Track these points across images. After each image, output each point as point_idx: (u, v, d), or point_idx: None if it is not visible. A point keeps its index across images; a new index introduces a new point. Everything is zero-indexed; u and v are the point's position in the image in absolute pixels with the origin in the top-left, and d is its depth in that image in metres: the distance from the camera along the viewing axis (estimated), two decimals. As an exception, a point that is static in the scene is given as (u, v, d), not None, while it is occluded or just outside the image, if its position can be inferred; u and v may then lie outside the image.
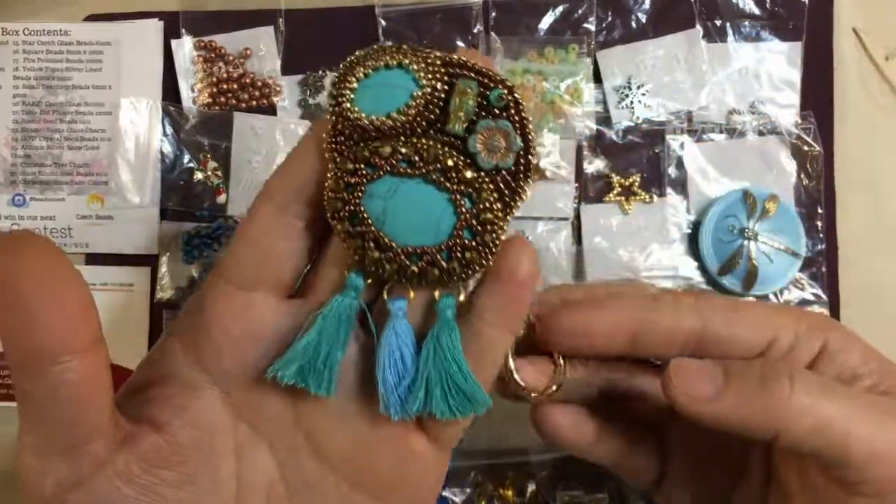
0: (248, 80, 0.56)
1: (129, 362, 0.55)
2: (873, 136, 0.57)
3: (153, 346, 0.27)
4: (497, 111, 0.24)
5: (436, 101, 0.24)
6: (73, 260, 0.58)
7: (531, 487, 0.54)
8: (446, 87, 0.24)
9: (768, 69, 0.57)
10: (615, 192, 0.56)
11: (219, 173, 0.56)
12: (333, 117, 0.24)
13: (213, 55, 0.56)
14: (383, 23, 0.56)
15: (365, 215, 0.24)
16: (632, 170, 0.56)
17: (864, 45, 0.57)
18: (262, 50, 0.57)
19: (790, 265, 0.54)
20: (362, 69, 0.24)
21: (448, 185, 0.24)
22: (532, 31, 0.57)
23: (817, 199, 0.56)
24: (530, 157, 0.24)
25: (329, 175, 0.24)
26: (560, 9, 0.57)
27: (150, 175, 0.56)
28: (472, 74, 0.24)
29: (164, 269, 0.56)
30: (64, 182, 0.56)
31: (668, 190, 0.56)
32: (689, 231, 0.56)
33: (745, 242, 0.54)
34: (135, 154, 0.56)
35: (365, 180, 0.24)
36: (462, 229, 0.24)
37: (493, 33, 0.56)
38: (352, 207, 0.24)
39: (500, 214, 0.24)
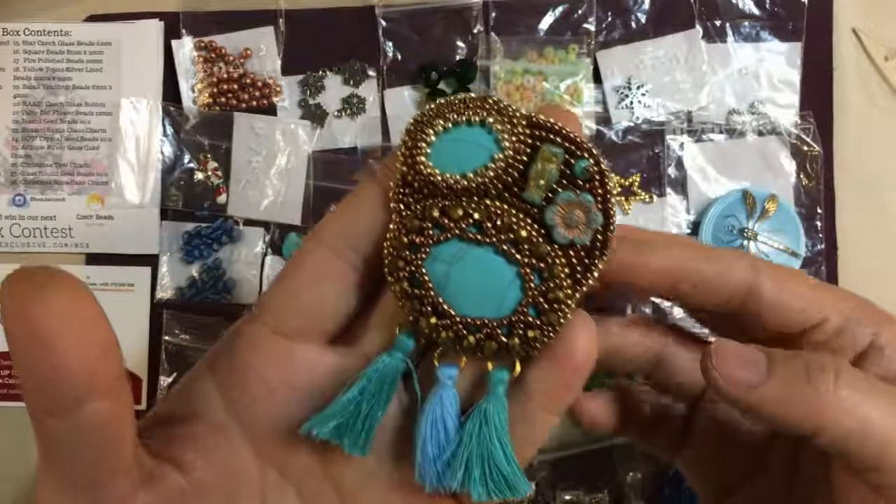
0: (248, 81, 0.56)
1: (130, 362, 0.55)
2: (873, 136, 0.57)
3: (184, 377, 0.26)
4: (580, 182, 0.22)
5: (516, 164, 0.22)
6: (73, 260, 0.58)
7: (531, 488, 0.54)
8: (529, 151, 0.22)
9: (768, 69, 0.57)
10: (615, 192, 0.56)
11: (219, 173, 0.56)
12: (403, 167, 0.23)
13: (213, 55, 0.57)
14: (383, 23, 0.56)
15: (426, 278, 0.23)
16: (632, 170, 0.56)
17: (863, 45, 0.57)
18: (262, 50, 0.57)
19: (790, 265, 0.55)
20: (442, 122, 0.23)
21: (518, 257, 0.22)
22: (532, 31, 0.57)
23: (817, 199, 0.56)
24: (609, 233, 0.23)
25: (392, 228, 0.23)
26: (560, 9, 0.57)
27: (151, 175, 0.56)
28: (559, 139, 0.22)
29: (164, 268, 0.56)
30: (64, 182, 0.57)
31: (668, 190, 0.56)
32: (689, 231, 0.56)
33: (745, 242, 0.54)
34: (135, 154, 0.56)
35: (431, 241, 0.23)
36: (528, 306, 0.22)
37: (493, 33, 0.56)
38: (413, 269, 0.23)
39: (569, 293, 0.22)
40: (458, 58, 0.57)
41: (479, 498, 0.23)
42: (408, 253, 0.23)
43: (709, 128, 0.56)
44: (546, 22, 0.57)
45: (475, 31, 0.57)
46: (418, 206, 0.23)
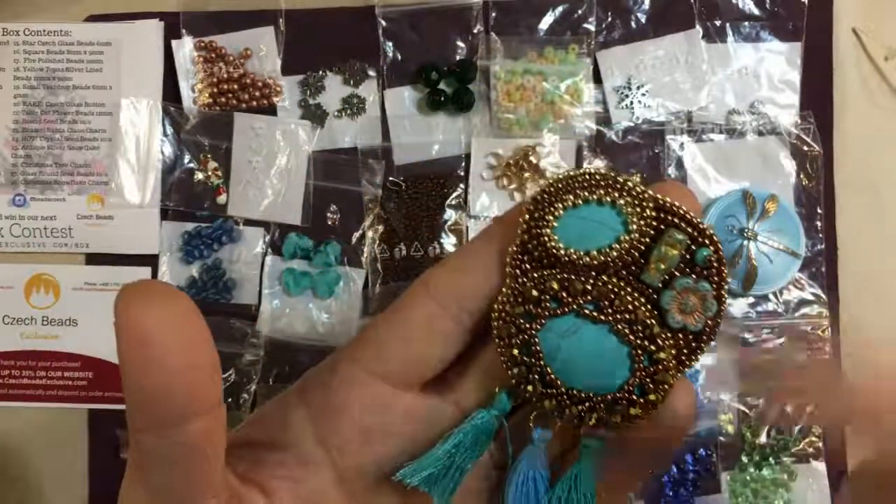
0: (248, 81, 0.56)
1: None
2: (873, 136, 0.57)
3: (273, 399, 0.26)
4: (699, 269, 0.23)
5: (639, 245, 0.23)
6: (73, 260, 0.58)
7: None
8: (652, 234, 0.23)
9: (768, 69, 0.57)
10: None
11: (219, 173, 0.56)
12: (525, 235, 0.23)
13: (213, 55, 0.57)
14: (383, 23, 0.56)
15: (538, 348, 0.23)
16: (632, 170, 0.56)
17: (863, 45, 0.57)
18: (262, 50, 0.57)
19: (789, 265, 0.55)
20: (572, 198, 0.23)
21: (632, 338, 0.23)
22: (532, 31, 0.57)
23: (817, 199, 0.56)
24: (719, 320, 0.23)
25: (504, 292, 0.23)
26: (560, 9, 0.57)
27: (151, 175, 0.56)
28: (683, 225, 0.23)
29: (164, 268, 0.56)
30: (64, 182, 0.57)
31: (668, 190, 0.56)
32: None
33: (745, 242, 0.54)
34: (135, 154, 0.56)
35: (547, 313, 0.23)
36: (634, 386, 0.23)
37: (493, 33, 0.56)
38: (526, 337, 0.23)
39: (673, 374, 0.23)
40: (458, 58, 0.57)
41: None
42: (522, 321, 0.23)
43: (709, 128, 0.56)
44: (546, 22, 0.57)
45: (475, 31, 0.57)
46: (535, 275, 0.23)
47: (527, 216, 0.23)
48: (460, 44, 0.57)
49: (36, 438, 0.56)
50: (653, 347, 0.23)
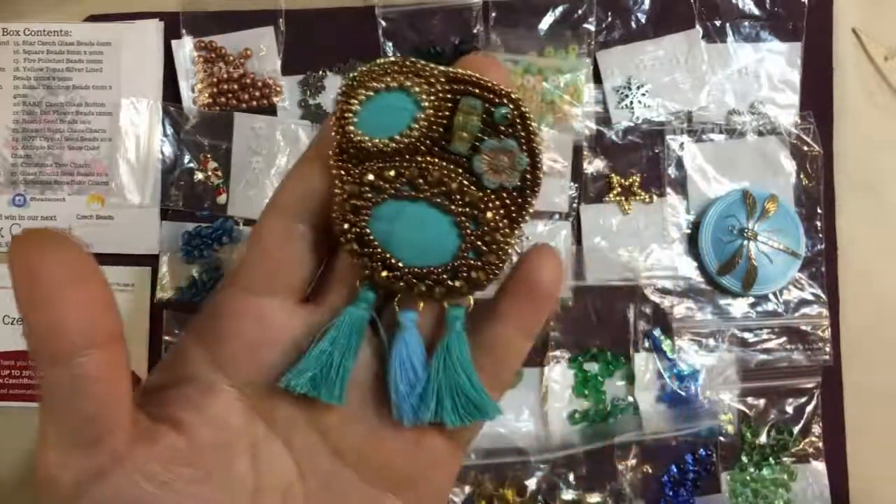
0: (248, 81, 0.56)
1: (131, 362, 0.55)
2: (873, 136, 0.57)
3: (170, 349, 0.27)
4: (503, 128, 0.24)
5: (439, 121, 0.24)
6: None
7: (531, 487, 0.54)
8: (449, 106, 0.24)
9: (768, 69, 0.57)
10: (615, 192, 0.56)
11: (219, 173, 0.56)
12: (338, 136, 0.24)
13: (213, 55, 0.57)
14: (383, 23, 0.56)
15: (371, 238, 0.25)
16: (632, 170, 0.56)
17: (863, 45, 0.57)
18: (262, 50, 0.57)
19: (789, 265, 0.55)
20: (364, 91, 0.24)
21: (452, 207, 0.24)
22: (532, 30, 0.57)
23: (817, 199, 0.56)
24: (537, 172, 0.24)
25: (336, 193, 0.25)
26: (560, 9, 0.57)
27: (151, 175, 0.56)
28: (477, 91, 0.24)
29: (164, 268, 0.56)
30: (64, 182, 0.57)
31: (668, 190, 0.56)
32: (689, 231, 0.56)
33: (745, 242, 0.54)
34: (135, 154, 0.56)
35: (370, 203, 0.24)
36: (467, 251, 0.24)
37: (492, 33, 0.56)
38: (358, 230, 0.25)
39: (506, 232, 0.24)
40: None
41: (454, 424, 0.25)
42: (351, 216, 0.24)
43: (709, 128, 0.56)
44: (546, 22, 0.57)
45: (475, 30, 0.57)
46: (356, 171, 0.24)
47: (334, 118, 0.24)
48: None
49: (34, 439, 0.56)
50: (475, 212, 0.24)
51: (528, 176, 0.24)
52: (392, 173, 0.24)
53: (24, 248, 0.21)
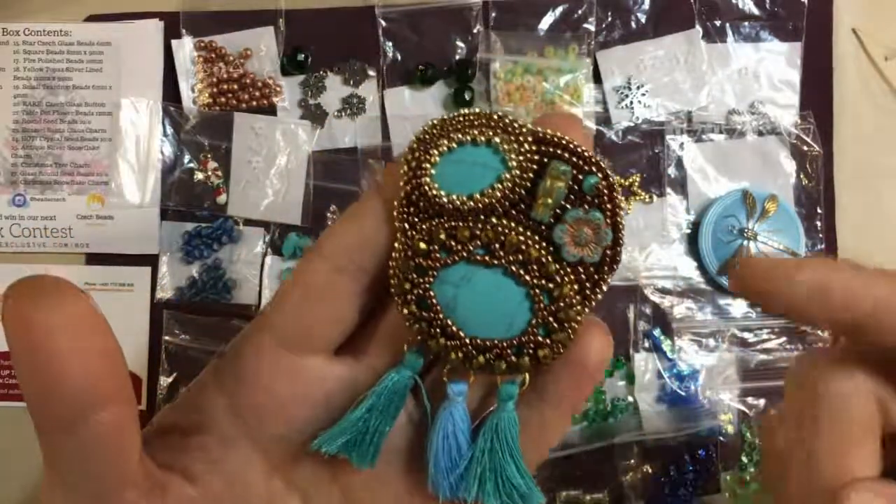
0: (248, 81, 0.56)
1: (130, 362, 0.55)
2: (873, 136, 0.57)
3: (189, 386, 0.26)
4: (588, 199, 0.22)
5: (523, 183, 0.22)
6: (73, 260, 0.58)
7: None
8: (535, 168, 0.22)
9: (768, 69, 0.57)
10: (623, 205, 0.56)
11: (219, 173, 0.56)
12: (407, 186, 0.22)
13: (213, 55, 0.57)
14: (383, 23, 0.56)
15: (434, 301, 0.23)
16: (632, 170, 0.56)
17: (863, 45, 0.57)
18: (262, 50, 0.57)
19: (790, 265, 0.55)
20: (447, 142, 0.22)
21: (528, 278, 0.22)
22: (532, 30, 0.57)
23: (816, 199, 0.56)
24: (618, 248, 0.22)
25: (397, 248, 0.23)
26: (560, 9, 0.57)
27: (151, 175, 0.56)
28: (566, 155, 0.22)
29: (164, 268, 0.56)
30: (64, 182, 0.57)
31: (668, 190, 0.56)
32: (689, 231, 0.56)
33: (745, 242, 0.54)
34: (135, 154, 0.56)
35: (438, 265, 0.22)
36: (538, 326, 0.22)
37: (492, 33, 0.56)
38: (420, 292, 0.23)
39: (578, 309, 0.22)
40: (457, 57, 0.57)
41: None
42: (415, 276, 0.23)
43: (709, 128, 0.56)
44: (546, 22, 0.57)
45: (475, 30, 0.57)
46: (423, 227, 0.22)
47: (405, 167, 0.22)
48: (460, 44, 0.57)
49: (35, 438, 0.56)
50: (551, 285, 0.22)
51: (609, 252, 0.22)
52: (467, 234, 0.22)
53: (18, 301, 0.18)
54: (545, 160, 0.22)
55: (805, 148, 0.56)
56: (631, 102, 0.56)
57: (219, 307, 0.56)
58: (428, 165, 0.22)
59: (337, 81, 0.57)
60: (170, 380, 0.55)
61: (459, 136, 0.22)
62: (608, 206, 0.22)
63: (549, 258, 0.22)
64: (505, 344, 0.23)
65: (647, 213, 0.56)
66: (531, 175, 0.22)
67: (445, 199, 0.22)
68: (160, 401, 0.55)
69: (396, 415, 0.24)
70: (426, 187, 0.22)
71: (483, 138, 0.22)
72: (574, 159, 0.22)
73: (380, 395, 0.24)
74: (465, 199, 0.22)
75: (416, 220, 0.23)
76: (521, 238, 0.22)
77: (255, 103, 0.57)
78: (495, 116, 0.22)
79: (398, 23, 0.57)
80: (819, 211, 0.56)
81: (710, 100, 0.56)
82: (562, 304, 0.22)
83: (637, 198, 0.56)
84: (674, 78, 0.56)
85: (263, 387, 0.24)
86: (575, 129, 0.23)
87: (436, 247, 0.22)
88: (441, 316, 0.23)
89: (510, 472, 0.23)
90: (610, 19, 0.57)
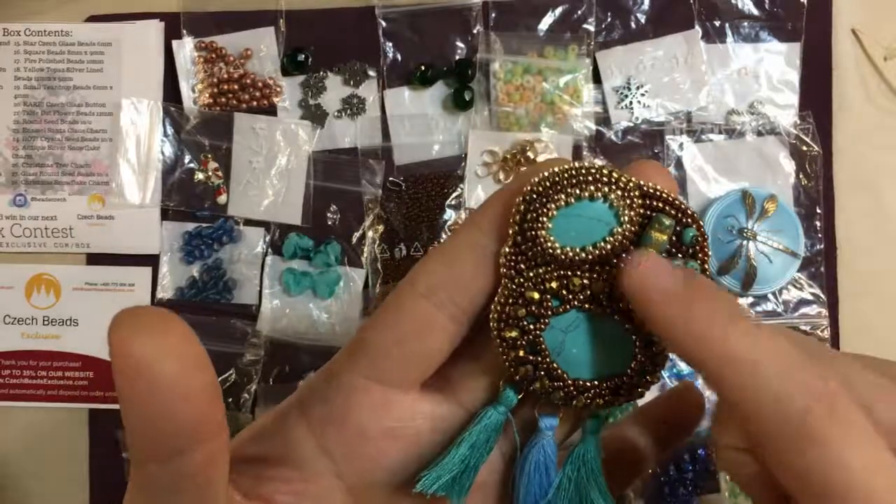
0: (248, 81, 0.57)
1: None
2: (872, 136, 0.57)
3: (271, 412, 0.26)
4: (685, 249, 0.24)
5: (631, 235, 0.23)
6: (73, 260, 0.58)
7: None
8: (641, 221, 0.23)
9: (767, 70, 0.57)
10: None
11: (219, 173, 0.56)
12: (518, 237, 0.23)
13: (213, 56, 0.57)
14: (383, 23, 0.57)
15: (544, 346, 0.24)
16: (631, 170, 0.56)
17: (862, 45, 0.57)
18: (262, 50, 0.57)
19: (789, 265, 0.55)
20: (564, 197, 0.23)
21: (627, 326, 0.24)
22: (532, 31, 0.57)
23: (816, 199, 0.56)
24: None
25: (503, 293, 0.24)
26: (560, 9, 0.57)
27: (151, 175, 0.56)
28: (668, 209, 0.23)
29: (164, 269, 0.56)
30: (65, 182, 0.57)
31: (668, 190, 0.56)
32: (689, 231, 0.56)
33: (744, 242, 0.54)
34: (136, 154, 0.56)
35: (550, 312, 0.24)
36: (637, 369, 0.24)
37: (492, 33, 0.56)
38: (531, 338, 0.24)
39: (667, 354, 0.24)
40: (457, 58, 0.57)
41: None
42: (526, 323, 0.24)
43: (708, 128, 0.57)
44: (546, 22, 0.57)
45: (475, 31, 0.57)
46: (531, 275, 0.24)
47: (518, 217, 0.23)
48: (460, 44, 0.57)
49: (36, 438, 0.56)
50: (650, 331, 0.24)
51: None
52: (578, 283, 0.24)
53: (125, 330, 0.18)
54: (649, 213, 0.24)
55: (804, 148, 0.56)
56: (630, 103, 0.56)
57: (219, 307, 0.56)
58: (545, 219, 0.23)
59: (337, 81, 0.57)
60: (170, 379, 0.55)
61: (577, 191, 0.23)
62: (700, 255, 0.24)
63: None
64: (605, 385, 0.24)
65: (647, 213, 0.56)
66: (635, 228, 0.23)
67: (560, 252, 0.23)
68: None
69: (490, 450, 0.25)
70: (542, 239, 0.23)
71: (600, 194, 0.23)
72: (675, 213, 0.24)
73: (480, 433, 0.24)
74: (578, 251, 0.23)
75: (523, 267, 0.24)
76: None
77: (255, 103, 0.57)
78: (605, 171, 0.23)
79: (398, 23, 0.57)
80: (818, 211, 0.56)
81: (709, 100, 0.56)
82: (658, 349, 0.24)
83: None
84: (673, 78, 0.56)
85: (353, 423, 0.24)
86: (668, 180, 0.24)
87: (548, 295, 0.24)
88: (548, 360, 0.24)
89: (594, 497, 0.25)
90: (609, 20, 0.57)
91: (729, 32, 0.57)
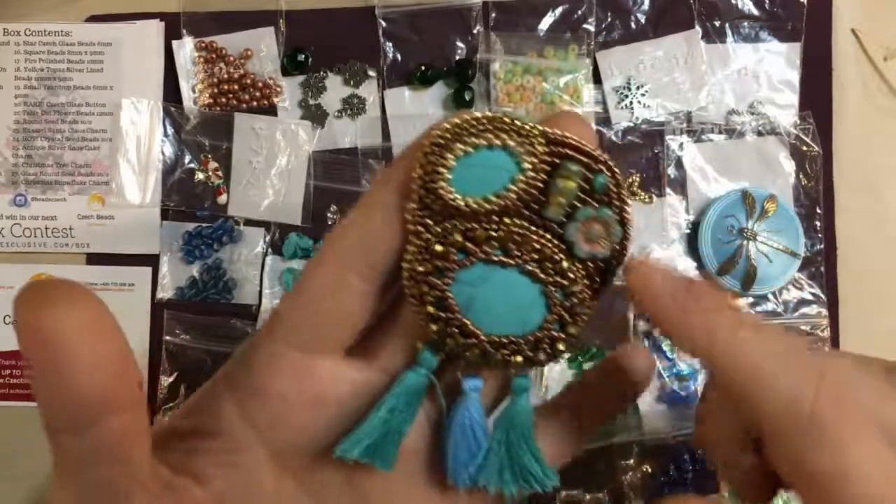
0: (248, 81, 0.57)
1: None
2: (872, 136, 0.57)
3: (200, 388, 0.26)
4: (598, 197, 0.23)
5: (535, 184, 0.23)
6: (73, 260, 0.58)
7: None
8: (547, 169, 0.23)
9: (767, 70, 0.57)
10: (630, 202, 0.56)
11: (219, 173, 0.56)
12: (422, 190, 0.23)
13: (213, 56, 0.57)
14: (383, 23, 0.57)
15: (452, 302, 0.23)
16: (631, 170, 0.56)
17: (862, 45, 0.57)
18: (262, 50, 0.57)
19: (789, 265, 0.55)
20: (462, 146, 0.22)
21: (542, 276, 0.23)
22: (532, 31, 0.57)
23: (816, 199, 0.56)
24: (626, 243, 0.23)
25: (411, 250, 0.23)
26: (560, 9, 0.57)
27: (151, 175, 0.56)
28: (577, 155, 0.23)
29: (164, 269, 0.56)
30: (65, 182, 0.57)
31: (668, 190, 0.56)
32: (689, 231, 0.56)
33: (744, 242, 0.54)
34: (136, 154, 0.56)
35: (456, 266, 0.23)
36: (553, 322, 0.23)
37: (492, 33, 0.56)
38: (438, 293, 0.23)
39: (590, 304, 0.23)
40: (457, 58, 0.57)
41: (512, 493, 0.25)
42: (431, 279, 0.23)
43: (708, 128, 0.57)
44: (546, 22, 0.57)
45: (475, 31, 0.57)
46: (438, 229, 0.23)
47: (419, 170, 0.23)
48: (460, 44, 0.57)
49: (37, 438, 0.56)
50: (564, 282, 0.23)
51: (618, 247, 0.23)
52: (483, 235, 0.23)
53: (29, 303, 0.18)
54: (556, 161, 0.23)
55: (804, 148, 0.56)
56: (630, 103, 0.56)
57: (219, 307, 0.56)
58: (444, 169, 0.23)
59: (337, 82, 0.57)
60: (170, 380, 0.55)
61: (475, 140, 0.23)
62: (617, 203, 0.23)
63: (563, 256, 0.23)
64: (522, 340, 0.24)
65: (647, 213, 0.56)
66: (543, 176, 0.23)
67: (462, 202, 0.23)
68: (160, 400, 0.55)
69: (415, 415, 0.24)
70: (442, 191, 0.23)
71: (498, 142, 0.23)
72: (584, 159, 0.23)
73: (399, 396, 0.24)
74: (480, 201, 0.23)
75: (429, 222, 0.23)
76: (537, 237, 0.23)
77: (255, 103, 0.57)
78: (507, 119, 0.23)
79: (398, 23, 0.57)
80: (818, 211, 0.56)
81: (709, 100, 0.56)
82: (575, 300, 0.23)
83: (637, 198, 0.56)
84: (673, 78, 0.56)
85: (275, 392, 0.24)
86: (582, 129, 0.23)
87: (453, 249, 0.23)
88: (459, 316, 0.23)
89: (527, 461, 0.24)
90: (609, 20, 0.57)
91: (729, 32, 0.57)
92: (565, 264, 0.23)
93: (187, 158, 0.56)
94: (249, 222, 0.57)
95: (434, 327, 0.23)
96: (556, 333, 0.23)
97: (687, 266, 0.56)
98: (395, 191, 0.23)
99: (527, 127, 0.23)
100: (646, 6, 0.57)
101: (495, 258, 0.23)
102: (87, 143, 0.57)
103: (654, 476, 0.55)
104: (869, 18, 0.57)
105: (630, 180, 0.56)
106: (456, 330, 0.23)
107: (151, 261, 0.56)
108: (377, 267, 0.24)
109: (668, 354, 0.55)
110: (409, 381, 0.24)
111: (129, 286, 0.56)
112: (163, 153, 0.56)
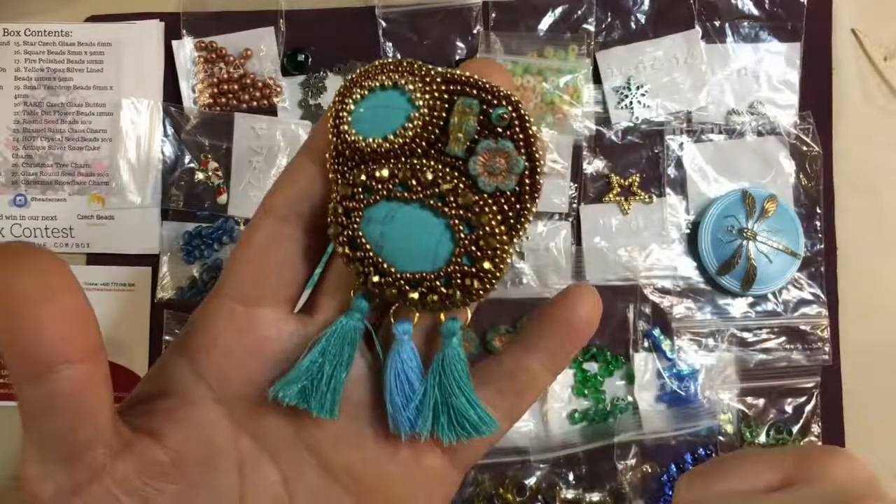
0: (248, 81, 0.57)
1: (130, 362, 0.55)
2: (872, 136, 0.57)
3: (157, 360, 0.27)
4: (500, 130, 0.23)
5: (435, 121, 0.23)
6: (74, 260, 0.58)
7: (531, 487, 0.55)
8: (445, 107, 0.23)
9: (767, 70, 0.57)
10: (614, 192, 0.56)
11: (219, 173, 0.56)
12: (334, 137, 0.24)
13: (213, 56, 0.57)
14: (383, 23, 0.57)
15: (363, 241, 0.24)
16: (631, 170, 0.56)
17: (862, 45, 0.57)
18: (262, 50, 0.57)
19: (789, 265, 0.55)
20: (359, 90, 0.23)
21: (446, 210, 0.23)
22: (532, 31, 0.57)
23: (816, 199, 0.56)
24: (537, 176, 0.23)
25: (332, 197, 0.24)
26: (560, 9, 0.57)
27: (151, 175, 0.56)
28: (475, 91, 0.23)
29: (164, 268, 0.56)
30: (65, 182, 0.57)
31: (668, 190, 0.56)
32: (689, 231, 0.56)
33: (744, 242, 0.54)
34: (136, 154, 0.56)
35: (362, 205, 0.23)
36: (461, 256, 0.23)
37: (492, 33, 0.56)
38: (350, 233, 0.24)
39: (503, 238, 0.23)
40: (457, 58, 0.57)
41: (450, 440, 0.25)
42: (343, 219, 0.24)
43: (708, 128, 0.57)
44: (546, 22, 0.57)
45: (475, 31, 0.57)
46: (351, 174, 0.24)
47: (330, 119, 0.23)
48: (460, 44, 0.57)
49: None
50: (469, 214, 0.23)
51: (527, 180, 0.23)
52: (385, 174, 0.23)
53: None
54: (454, 98, 0.23)
55: (804, 148, 0.56)
56: (630, 103, 0.56)
57: (219, 307, 0.56)
58: (345, 114, 0.23)
59: (337, 82, 0.57)
60: (170, 379, 0.55)
61: (370, 82, 0.23)
62: (520, 135, 0.23)
63: (465, 189, 0.23)
64: (433, 276, 0.24)
65: (647, 213, 0.56)
66: (442, 114, 0.23)
67: (363, 143, 0.23)
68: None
69: (350, 360, 0.25)
70: (345, 134, 0.23)
71: (390, 82, 0.23)
72: (482, 94, 0.23)
73: (330, 339, 0.24)
74: (380, 141, 0.23)
75: (346, 168, 0.24)
76: (434, 172, 0.23)
77: (255, 103, 0.57)
78: (405, 63, 0.23)
79: (398, 23, 0.57)
80: (818, 211, 0.56)
81: (709, 100, 0.56)
82: (482, 233, 0.23)
83: (637, 198, 0.56)
84: (673, 78, 0.56)
85: (221, 346, 0.25)
86: (494, 72, 0.24)
87: (359, 189, 0.23)
88: (371, 254, 0.24)
89: (461, 405, 0.24)
90: (609, 20, 0.57)
91: (729, 32, 0.57)
92: (469, 197, 0.23)
93: (187, 158, 0.56)
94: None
95: (352, 267, 0.24)
96: (466, 268, 0.23)
97: (687, 266, 0.56)
98: (318, 147, 0.24)
99: (424, 68, 0.23)
100: (646, 6, 0.57)
101: (398, 194, 0.23)
102: (86, 143, 0.57)
103: (654, 476, 0.55)
104: (869, 18, 0.57)
105: (630, 180, 0.56)
106: (371, 269, 0.24)
107: (151, 261, 0.56)
108: (306, 215, 0.25)
109: (668, 354, 0.55)
110: (340, 325, 0.24)
111: (128, 286, 0.56)
112: (163, 153, 0.56)
